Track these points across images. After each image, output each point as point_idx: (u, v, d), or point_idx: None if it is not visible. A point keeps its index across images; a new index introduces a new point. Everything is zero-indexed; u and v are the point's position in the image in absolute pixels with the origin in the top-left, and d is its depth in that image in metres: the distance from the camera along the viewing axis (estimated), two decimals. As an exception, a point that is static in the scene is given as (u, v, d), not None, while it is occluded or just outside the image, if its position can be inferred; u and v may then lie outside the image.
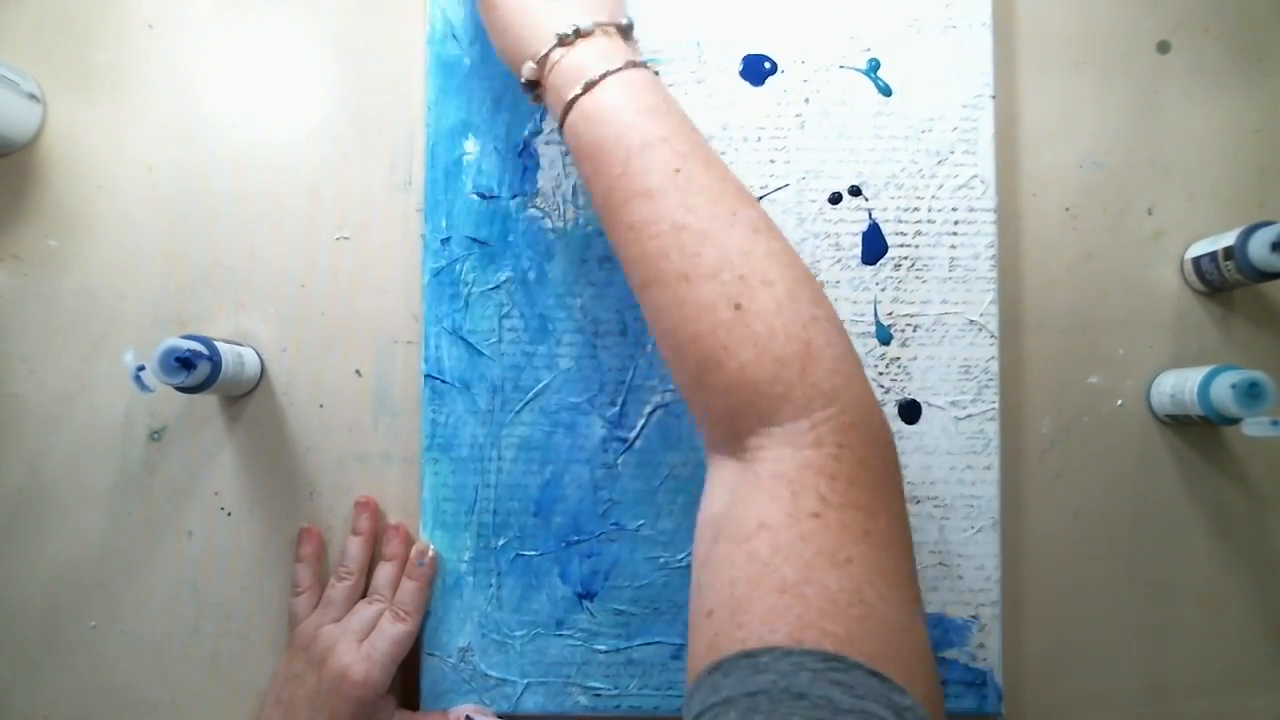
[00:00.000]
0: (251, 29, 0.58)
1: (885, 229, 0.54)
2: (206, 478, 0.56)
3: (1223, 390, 0.50)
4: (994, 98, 0.54)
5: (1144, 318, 0.56)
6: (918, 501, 0.53)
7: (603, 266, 0.54)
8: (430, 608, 0.53)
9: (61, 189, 0.57)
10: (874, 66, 0.55)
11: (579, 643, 0.53)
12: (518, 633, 0.53)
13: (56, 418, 0.55)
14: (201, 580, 0.55)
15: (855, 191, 0.54)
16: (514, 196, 0.54)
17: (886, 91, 0.54)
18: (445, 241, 0.54)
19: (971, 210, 0.54)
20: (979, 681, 0.53)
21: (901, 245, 0.54)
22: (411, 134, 0.57)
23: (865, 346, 0.54)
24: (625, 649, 0.53)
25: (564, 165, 0.54)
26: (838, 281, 0.54)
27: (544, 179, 0.55)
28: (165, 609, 0.55)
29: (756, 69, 0.55)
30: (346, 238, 0.57)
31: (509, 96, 0.54)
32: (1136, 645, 0.55)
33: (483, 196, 0.54)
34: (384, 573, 0.53)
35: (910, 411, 0.54)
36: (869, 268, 0.54)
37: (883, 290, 0.54)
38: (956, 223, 0.54)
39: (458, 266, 0.54)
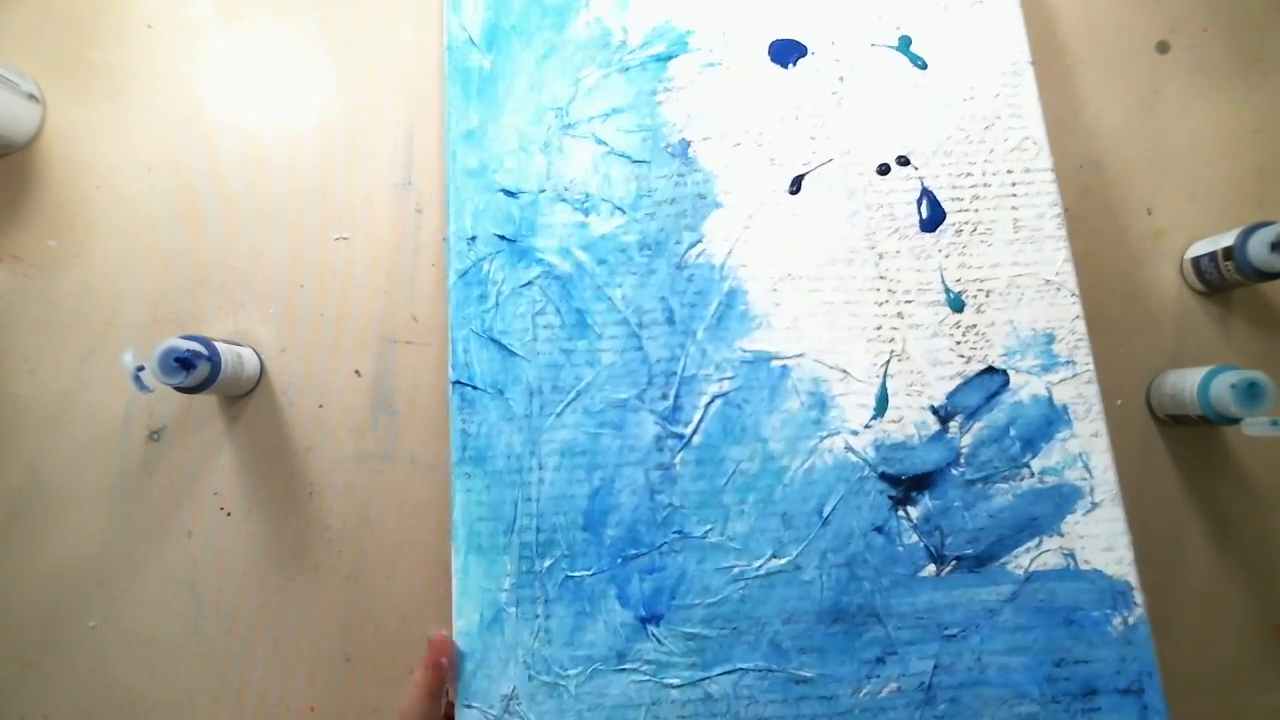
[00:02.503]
0: (251, 29, 0.58)
1: (940, 195, 0.51)
2: (206, 478, 0.56)
3: (1222, 390, 0.50)
4: (1033, 63, 0.53)
5: (1144, 318, 0.56)
6: (1022, 479, 0.48)
7: (642, 253, 0.51)
8: (466, 650, 0.46)
9: (61, 189, 0.57)
10: (906, 43, 0.54)
11: (646, 677, 0.46)
12: (571, 671, 0.46)
13: (56, 418, 0.55)
14: (201, 580, 0.55)
15: (904, 161, 0.52)
16: (541, 190, 0.51)
17: (922, 65, 0.53)
18: (471, 241, 0.51)
19: (1028, 171, 0.51)
20: (1135, 687, 0.46)
21: (960, 211, 0.51)
22: (411, 134, 0.57)
23: (938, 316, 0.50)
24: (702, 680, 0.46)
25: (594, 156, 0.52)
26: (898, 251, 0.51)
27: (573, 170, 0.52)
28: (165, 609, 0.55)
29: (785, 52, 0.54)
30: (346, 238, 0.57)
31: (532, 97, 0.53)
32: (1136, 645, 0.55)
33: (508, 194, 0.51)
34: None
35: (997, 381, 0.49)
36: (929, 235, 0.51)
37: (947, 257, 0.50)
38: (1014, 184, 0.51)
39: (485, 265, 0.51)
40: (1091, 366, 0.49)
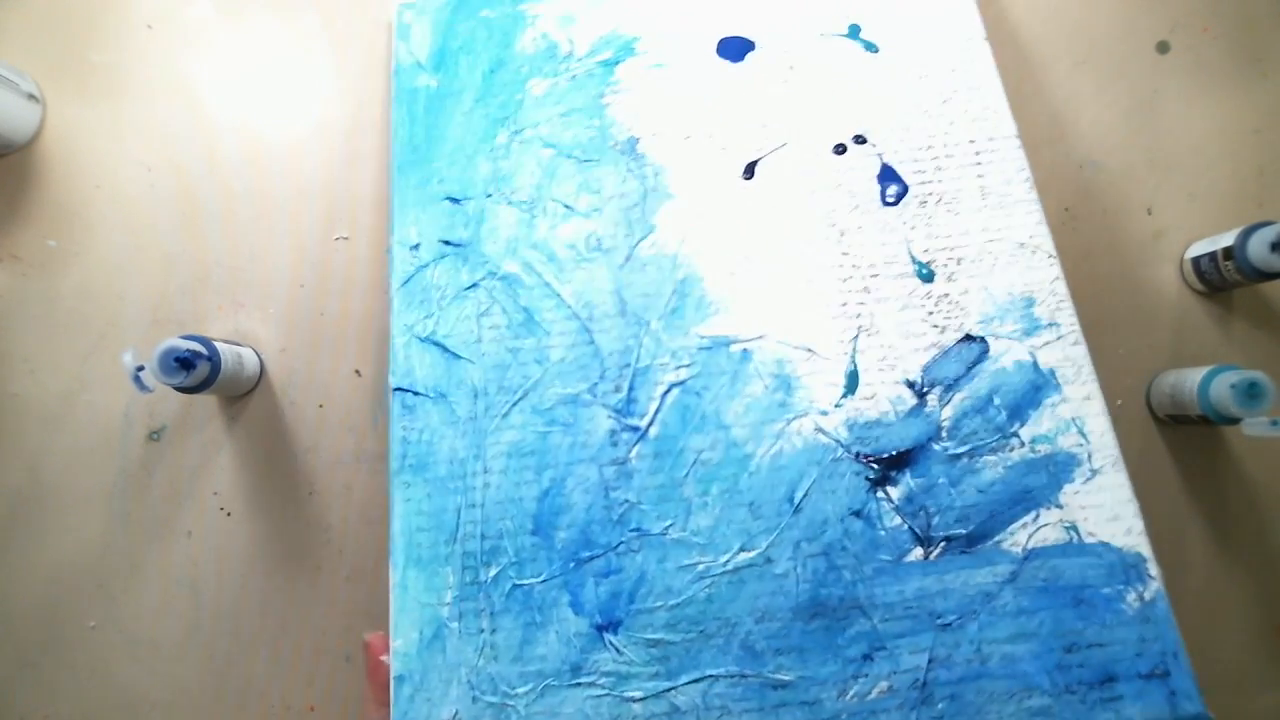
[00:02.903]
0: (251, 30, 0.58)
1: (901, 170, 0.50)
2: (206, 478, 0.56)
3: (1222, 390, 0.50)
4: (987, 40, 0.53)
5: (1144, 318, 0.56)
6: (1012, 449, 0.45)
7: (591, 249, 0.50)
8: (403, 672, 0.43)
9: (61, 189, 0.57)
10: (855, 30, 0.54)
11: (605, 691, 0.42)
12: (520, 689, 0.42)
13: (56, 418, 0.55)
14: (201, 580, 0.55)
15: (860, 140, 0.51)
16: (488, 195, 0.51)
17: (873, 49, 0.53)
18: (414, 248, 0.50)
19: (991, 140, 0.51)
20: (1160, 670, 0.42)
21: (923, 183, 0.50)
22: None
23: (908, 287, 0.48)
24: (668, 691, 0.42)
25: (540, 158, 0.52)
26: (860, 227, 0.49)
27: (519, 173, 0.51)
28: (165, 609, 0.55)
29: (733, 48, 0.54)
30: (346, 238, 0.57)
31: (479, 109, 0.53)
32: (1136, 645, 0.55)
33: (453, 201, 0.51)
34: None
35: (976, 349, 0.47)
36: (892, 209, 0.49)
37: (912, 229, 0.49)
38: (978, 152, 0.50)
39: (429, 272, 0.50)
40: (1077, 328, 0.47)
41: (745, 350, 0.47)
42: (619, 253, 0.50)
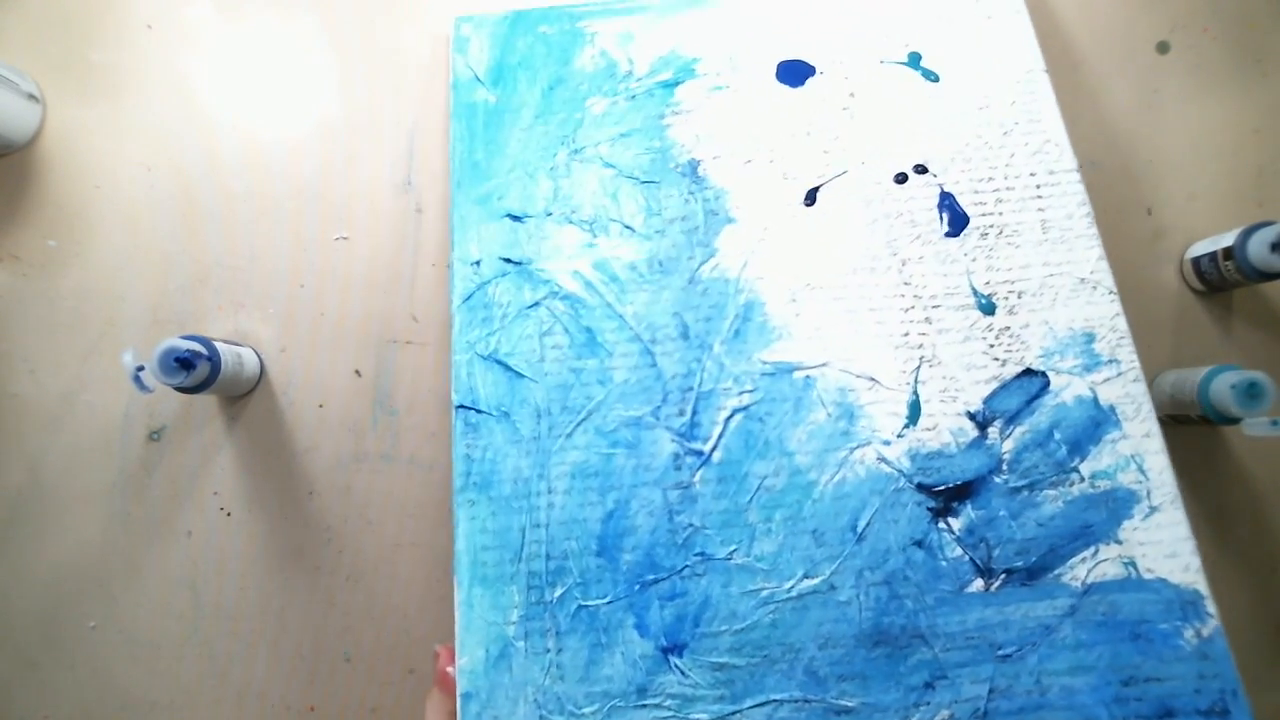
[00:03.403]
0: (251, 29, 0.58)
1: (962, 201, 0.50)
2: (206, 478, 0.56)
3: (1222, 390, 0.50)
4: (1046, 72, 0.53)
5: (1144, 318, 0.56)
6: (1072, 484, 0.45)
7: (653, 270, 0.50)
8: (470, 690, 0.43)
9: (61, 189, 0.57)
10: (915, 59, 0.54)
11: (670, 713, 0.42)
12: (587, 709, 0.43)
13: (56, 418, 0.55)
14: (201, 580, 0.55)
15: (921, 170, 0.51)
16: (549, 214, 0.51)
17: (934, 78, 0.53)
18: (476, 264, 0.50)
19: (1052, 173, 0.51)
20: (1219, 709, 0.43)
21: (984, 215, 0.50)
22: (411, 134, 0.57)
23: (968, 319, 0.48)
24: (733, 714, 0.42)
25: (601, 178, 0.52)
26: (921, 257, 0.49)
27: (580, 193, 0.51)
28: (165, 609, 0.55)
29: (794, 73, 0.54)
30: (346, 238, 0.57)
31: (538, 126, 0.53)
32: (1136, 645, 0.55)
33: (514, 218, 0.51)
34: None
35: (1037, 383, 0.47)
36: (953, 240, 0.50)
37: (973, 261, 0.49)
38: (1039, 186, 0.50)
39: (490, 289, 0.50)
40: (1137, 365, 0.47)
41: (808, 377, 0.48)
42: (681, 275, 0.50)
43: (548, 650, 0.44)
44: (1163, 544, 0.44)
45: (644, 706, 0.43)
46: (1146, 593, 0.44)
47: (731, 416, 0.47)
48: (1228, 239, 0.52)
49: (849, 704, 0.42)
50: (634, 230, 0.50)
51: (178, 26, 0.57)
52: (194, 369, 0.48)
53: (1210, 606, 0.43)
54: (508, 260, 0.50)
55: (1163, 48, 0.58)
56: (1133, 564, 0.44)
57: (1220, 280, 0.54)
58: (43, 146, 0.57)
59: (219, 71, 0.57)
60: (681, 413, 0.47)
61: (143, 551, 0.55)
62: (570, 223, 0.51)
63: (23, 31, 0.57)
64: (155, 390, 0.48)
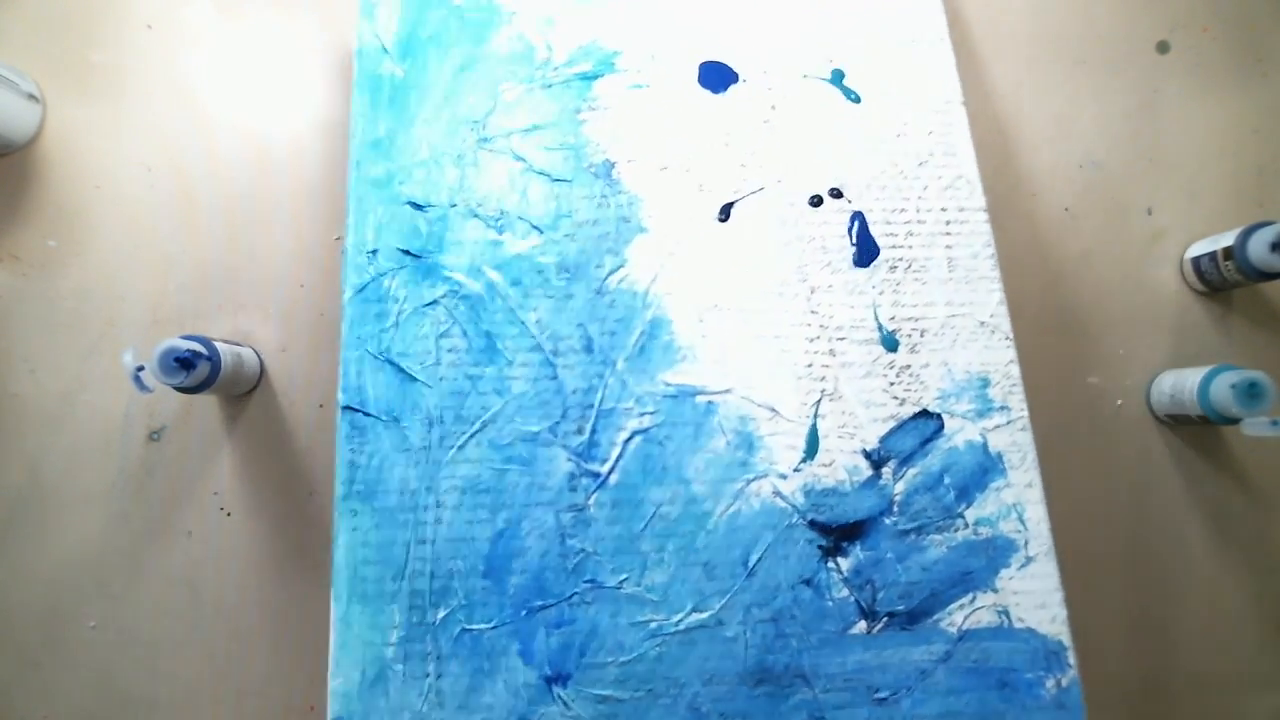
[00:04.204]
0: (250, 29, 0.58)
1: (874, 230, 0.50)
2: (206, 478, 0.56)
3: (1222, 390, 0.50)
4: (964, 104, 0.52)
5: (1144, 318, 0.56)
6: (957, 530, 0.46)
7: (560, 275, 0.48)
8: (342, 714, 0.41)
9: (61, 189, 0.57)
10: (839, 76, 0.52)
11: None
12: None
13: (56, 418, 0.55)
14: (201, 580, 0.55)
15: (836, 194, 0.50)
16: (453, 205, 0.48)
17: (855, 98, 0.52)
18: (372, 254, 0.47)
19: (962, 210, 0.50)
20: None
21: (894, 247, 0.50)
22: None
23: (871, 355, 0.48)
24: None
25: (511, 172, 0.49)
26: (830, 286, 0.49)
27: (488, 185, 0.49)
28: (164, 609, 0.55)
29: (716, 77, 0.52)
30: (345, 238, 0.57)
31: (447, 108, 0.50)
32: (1136, 644, 0.55)
33: (416, 206, 0.48)
34: None
35: (931, 425, 0.47)
36: (863, 270, 0.49)
37: (880, 294, 0.49)
38: (949, 222, 0.50)
39: (385, 281, 0.47)
40: (1026, 414, 0.47)
41: (710, 403, 0.46)
42: (588, 283, 0.48)
43: (427, 675, 0.42)
44: (1035, 594, 0.45)
45: None
46: (1016, 641, 0.44)
47: (631, 438, 0.45)
48: (1228, 239, 0.52)
49: None
50: (541, 231, 0.48)
51: (178, 26, 0.57)
52: (194, 369, 0.48)
53: (1071, 658, 0.44)
54: (406, 253, 0.47)
55: (1163, 48, 0.58)
56: (1006, 613, 0.44)
57: (1220, 280, 0.54)
58: (43, 146, 0.57)
59: (219, 71, 0.57)
60: (580, 431, 0.45)
61: (143, 551, 0.55)
62: (476, 216, 0.48)
63: (23, 31, 0.57)
64: (155, 390, 0.48)
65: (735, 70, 0.52)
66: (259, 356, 0.56)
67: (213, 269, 0.56)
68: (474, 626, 0.43)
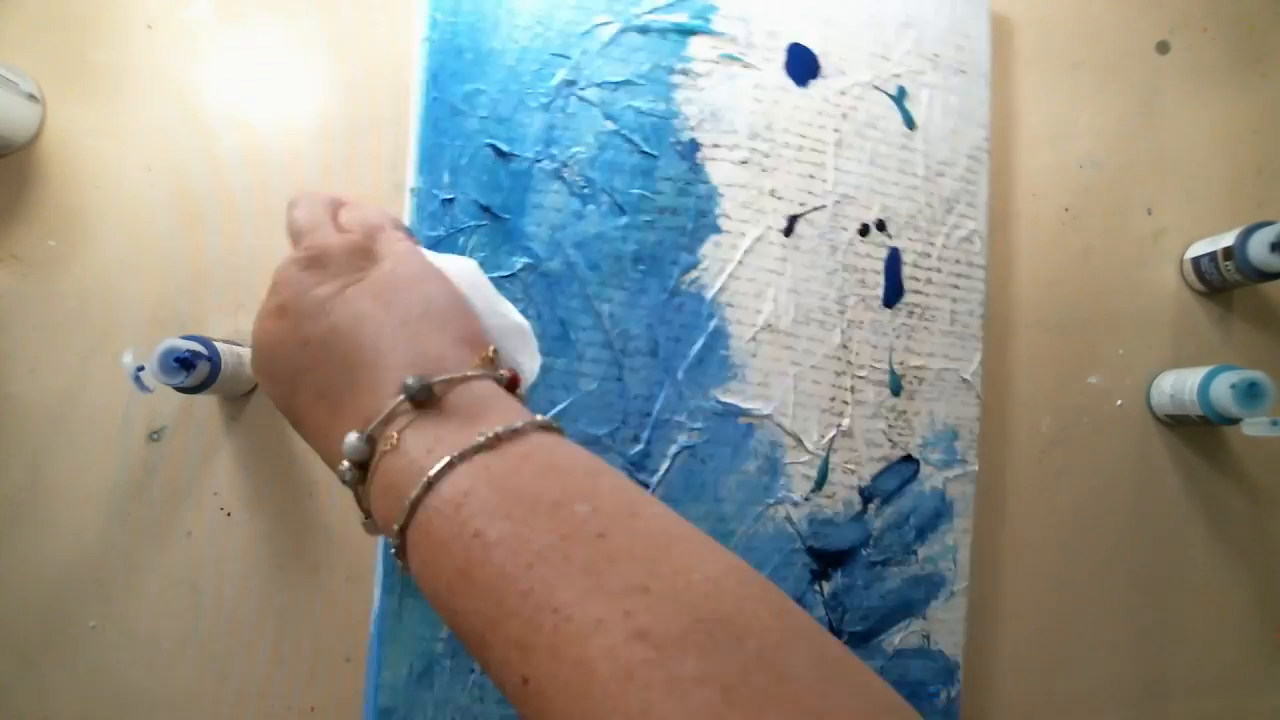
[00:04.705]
0: (251, 29, 0.58)
1: (905, 270, 0.52)
2: (206, 478, 0.56)
3: (1222, 390, 0.50)
4: (989, 153, 0.53)
5: (1144, 318, 0.56)
6: (909, 565, 0.51)
7: (637, 267, 0.47)
8: (390, 705, 0.42)
9: (61, 189, 0.57)
10: (901, 94, 0.53)
11: None
12: None
13: (56, 418, 0.55)
14: (201, 580, 0.55)
15: (880, 226, 0.51)
16: (538, 160, 0.45)
17: (911, 124, 0.52)
18: (447, 203, 0.44)
19: (970, 265, 0.52)
20: None
21: (915, 291, 0.52)
22: (411, 134, 0.57)
23: (879, 396, 0.51)
24: None
25: (600, 131, 0.46)
26: (861, 323, 0.51)
27: (575, 144, 0.46)
28: (165, 609, 0.55)
29: (801, 67, 0.51)
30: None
31: (539, 30, 0.45)
32: (1136, 645, 0.55)
33: (499, 152, 0.44)
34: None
35: (910, 469, 0.52)
36: (888, 311, 0.51)
37: (898, 338, 0.51)
38: (958, 275, 0.52)
39: (462, 240, 0.44)
40: (976, 468, 0.52)
41: (750, 425, 0.49)
42: (662, 280, 0.48)
43: (473, 670, 0.43)
44: (949, 623, 0.51)
45: None
46: (929, 660, 0.51)
47: (679, 453, 0.48)
48: (1228, 239, 0.52)
49: None
50: (625, 212, 0.47)
51: (178, 27, 0.57)
52: (194, 369, 0.48)
53: (959, 675, 0.51)
54: (486, 209, 0.44)
55: (1163, 48, 0.58)
56: (928, 636, 0.51)
57: (1220, 280, 0.54)
58: (43, 146, 0.57)
59: (219, 71, 0.57)
60: (636, 439, 0.47)
61: (143, 551, 0.55)
62: (561, 179, 0.46)
63: (23, 31, 0.57)
64: (155, 390, 0.48)
65: (819, 60, 0.51)
66: (259, 356, 0.56)
67: (213, 269, 0.56)
68: None
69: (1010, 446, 0.55)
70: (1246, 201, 0.57)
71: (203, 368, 0.48)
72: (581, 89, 0.47)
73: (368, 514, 0.29)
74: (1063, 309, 0.56)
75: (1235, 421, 0.50)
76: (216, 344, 0.51)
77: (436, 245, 0.44)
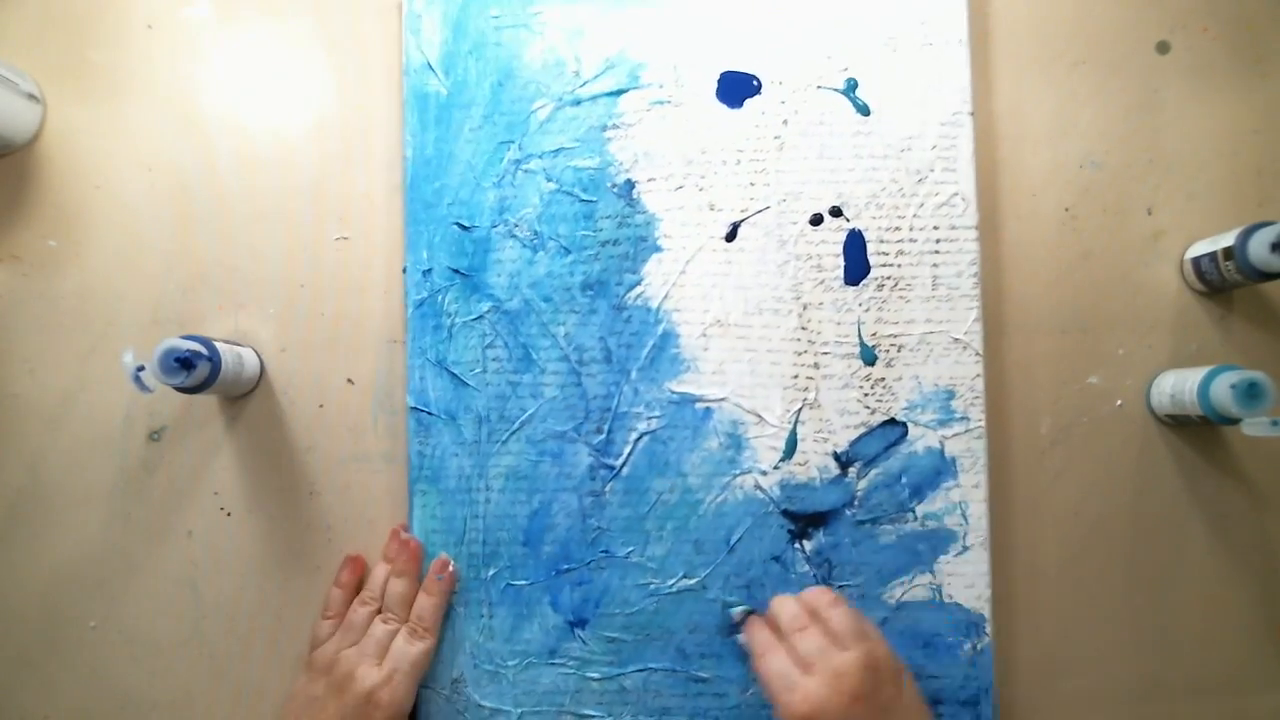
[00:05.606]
0: (250, 29, 0.58)
1: (868, 249, 0.54)
2: (206, 478, 0.56)
3: (1222, 390, 0.50)
4: (972, 114, 0.54)
5: (1144, 318, 0.56)
6: (906, 522, 0.53)
7: (584, 293, 0.54)
8: None
9: (61, 189, 0.57)
10: (851, 86, 0.54)
11: (572, 670, 0.53)
12: (510, 662, 0.53)
13: (56, 418, 0.55)
14: (201, 580, 0.55)
15: (836, 212, 0.54)
16: (494, 226, 0.54)
17: (865, 111, 0.54)
18: (427, 273, 0.54)
19: (953, 229, 0.54)
20: (973, 700, 0.52)
21: (884, 265, 0.54)
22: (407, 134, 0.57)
23: (850, 368, 0.53)
24: (618, 675, 0.53)
25: (543, 192, 0.54)
26: (820, 304, 0.54)
27: (523, 206, 0.54)
28: (165, 609, 0.55)
29: (734, 90, 0.55)
30: (346, 238, 0.57)
31: (487, 127, 0.55)
32: (1136, 645, 0.55)
33: (462, 227, 0.54)
34: (396, 589, 0.52)
35: (896, 432, 0.53)
36: (851, 289, 0.54)
37: (866, 311, 0.54)
38: (938, 241, 0.54)
39: (440, 298, 0.54)
40: (983, 424, 0.53)
41: (708, 409, 0.54)
42: (609, 299, 0.54)
43: (482, 616, 0.54)
44: (965, 576, 0.53)
45: (553, 664, 0.53)
46: (944, 613, 0.53)
47: (640, 438, 0.54)
48: (1228, 239, 0.52)
49: (705, 675, 0.53)
50: (570, 251, 0.54)
51: (178, 27, 0.57)
52: (194, 369, 0.48)
53: (989, 628, 0.53)
54: (456, 271, 0.54)
55: (1163, 48, 0.58)
56: (939, 589, 0.53)
57: (1220, 280, 0.54)
58: (43, 146, 0.57)
59: (218, 72, 0.57)
60: (599, 430, 0.54)
61: (143, 551, 0.55)
62: (514, 237, 0.54)
63: (23, 31, 0.57)
64: (155, 390, 0.48)
65: (754, 79, 0.55)
66: (259, 356, 0.56)
67: (212, 269, 0.56)
68: (516, 582, 0.54)
69: (1010, 447, 0.55)
70: (1246, 202, 0.57)
71: (203, 368, 0.48)
72: (525, 164, 0.55)
73: None
74: (1063, 309, 0.56)
75: (1235, 421, 0.50)
76: (216, 344, 0.51)
77: (423, 304, 0.54)
